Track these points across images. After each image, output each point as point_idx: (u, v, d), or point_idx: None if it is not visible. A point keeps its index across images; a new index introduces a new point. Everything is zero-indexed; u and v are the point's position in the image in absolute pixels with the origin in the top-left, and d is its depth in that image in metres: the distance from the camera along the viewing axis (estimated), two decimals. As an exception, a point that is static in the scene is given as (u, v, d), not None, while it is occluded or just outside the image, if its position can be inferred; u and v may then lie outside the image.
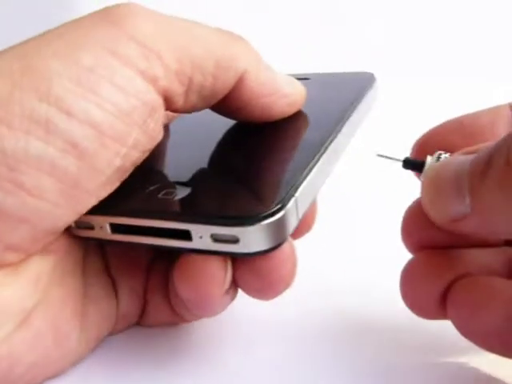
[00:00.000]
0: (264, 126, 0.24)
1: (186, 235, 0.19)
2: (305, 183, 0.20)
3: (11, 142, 0.18)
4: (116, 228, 0.21)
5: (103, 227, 0.21)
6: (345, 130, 0.23)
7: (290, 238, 0.20)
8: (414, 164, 0.22)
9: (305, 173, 0.20)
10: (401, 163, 0.22)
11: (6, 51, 0.19)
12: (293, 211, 0.19)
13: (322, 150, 0.21)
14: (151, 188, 0.21)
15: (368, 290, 0.26)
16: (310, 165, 0.21)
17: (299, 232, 0.24)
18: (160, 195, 0.20)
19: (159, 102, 0.20)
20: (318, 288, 0.26)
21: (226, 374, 0.22)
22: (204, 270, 0.20)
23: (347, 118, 0.24)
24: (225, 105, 0.23)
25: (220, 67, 0.21)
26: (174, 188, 0.21)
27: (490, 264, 0.21)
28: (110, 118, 0.19)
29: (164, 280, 0.24)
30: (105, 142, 0.19)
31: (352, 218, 0.33)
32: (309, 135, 0.23)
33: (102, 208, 0.20)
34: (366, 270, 0.28)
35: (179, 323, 0.25)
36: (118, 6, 0.21)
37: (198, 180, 0.21)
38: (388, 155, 0.23)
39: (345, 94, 0.26)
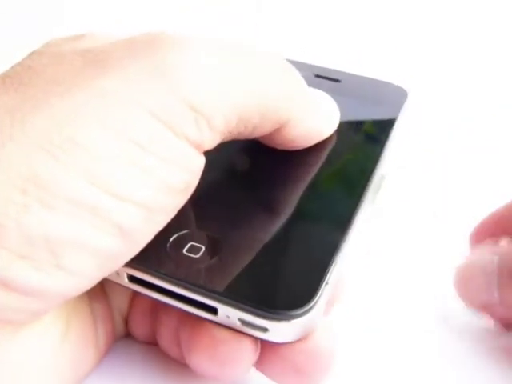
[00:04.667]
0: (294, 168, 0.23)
1: (211, 309, 0.18)
2: (337, 263, 0.19)
3: (54, 228, 0.16)
4: (134, 279, 0.20)
5: (120, 274, 0.20)
6: (375, 180, 0.22)
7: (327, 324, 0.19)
8: None
9: (338, 250, 0.19)
10: None
11: (36, 112, 0.16)
12: (325, 298, 0.18)
13: (354, 216, 0.21)
14: (176, 236, 0.20)
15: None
16: (343, 238, 0.20)
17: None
18: (185, 250, 0.19)
19: (203, 163, 0.19)
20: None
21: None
22: (236, 352, 0.19)
23: (378, 167, 0.23)
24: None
25: (264, 119, 0.20)
26: (200, 241, 0.20)
27: None
28: (159, 194, 0.17)
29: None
30: (151, 217, 0.18)
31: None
32: (341, 191, 0.22)
33: None
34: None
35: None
36: (167, 47, 0.18)
37: (223, 231, 0.20)
38: None
39: (376, 129, 0.25)
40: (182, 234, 0.20)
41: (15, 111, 0.16)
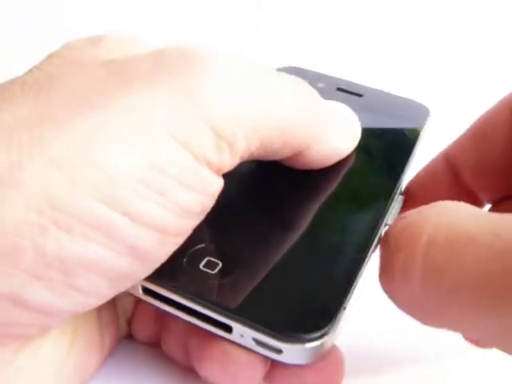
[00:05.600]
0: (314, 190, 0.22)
1: (226, 326, 0.18)
2: (355, 287, 0.19)
3: (69, 249, 0.16)
4: (149, 291, 0.19)
5: (135, 286, 0.19)
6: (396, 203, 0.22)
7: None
8: None
9: (357, 274, 0.19)
10: None
11: (57, 131, 0.16)
12: (341, 323, 0.18)
13: (374, 238, 0.20)
14: (193, 250, 0.20)
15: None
16: (363, 262, 0.20)
17: None
18: (201, 265, 0.19)
19: (221, 185, 0.19)
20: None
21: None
22: (247, 367, 0.19)
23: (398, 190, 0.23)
24: None
25: (285, 144, 0.20)
26: (217, 256, 0.20)
27: None
28: (175, 218, 0.17)
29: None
30: (165, 239, 0.17)
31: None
32: (361, 212, 0.22)
33: None
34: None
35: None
36: (196, 69, 0.18)
37: (240, 247, 0.20)
38: None
39: (398, 147, 0.24)
40: (199, 249, 0.20)
41: (34, 126, 0.16)
